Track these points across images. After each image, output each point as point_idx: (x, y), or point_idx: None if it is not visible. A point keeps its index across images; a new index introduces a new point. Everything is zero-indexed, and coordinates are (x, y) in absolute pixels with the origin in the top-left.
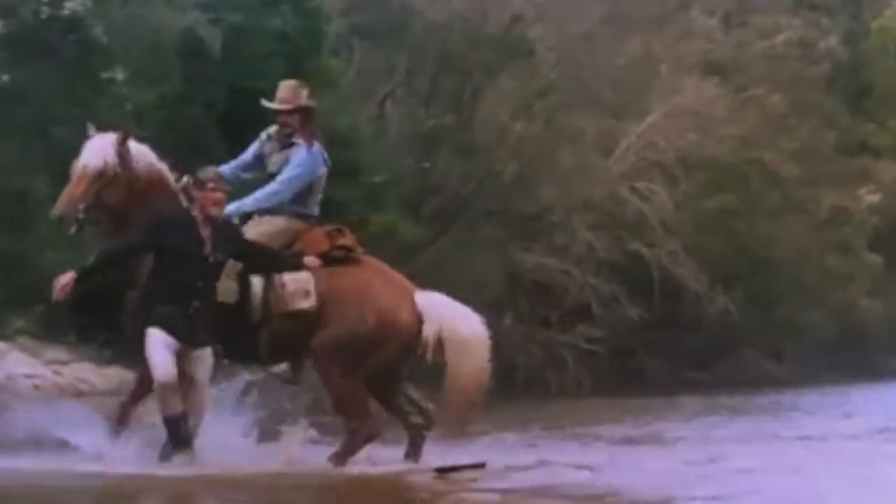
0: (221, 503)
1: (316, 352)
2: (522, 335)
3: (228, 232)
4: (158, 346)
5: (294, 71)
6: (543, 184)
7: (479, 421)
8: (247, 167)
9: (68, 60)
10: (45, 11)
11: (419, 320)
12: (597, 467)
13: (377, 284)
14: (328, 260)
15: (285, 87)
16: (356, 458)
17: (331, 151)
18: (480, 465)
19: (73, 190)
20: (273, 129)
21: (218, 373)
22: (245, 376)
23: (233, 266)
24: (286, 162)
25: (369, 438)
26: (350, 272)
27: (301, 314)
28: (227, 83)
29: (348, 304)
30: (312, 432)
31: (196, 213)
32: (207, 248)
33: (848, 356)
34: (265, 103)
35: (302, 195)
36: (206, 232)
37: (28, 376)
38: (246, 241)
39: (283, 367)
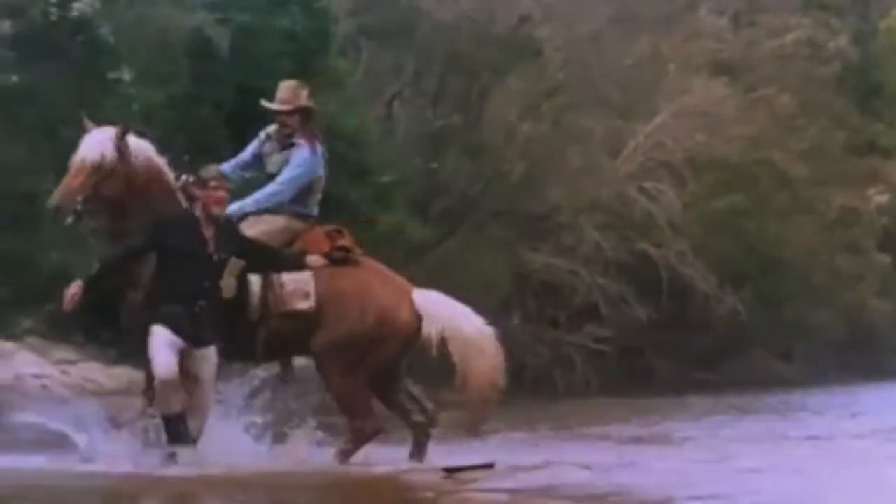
0: (224, 503)
1: (316, 352)
2: (530, 335)
3: (231, 230)
4: (162, 344)
5: (302, 71)
6: (551, 184)
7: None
8: (246, 166)
9: (76, 61)
10: (54, 12)
11: (418, 318)
12: (604, 467)
13: (376, 285)
14: (328, 260)
15: (285, 87)
16: (361, 458)
17: (338, 152)
18: (489, 466)
19: (70, 181)
20: (272, 128)
21: (229, 371)
22: (259, 373)
23: (235, 264)
24: (286, 162)
25: (373, 435)
26: (349, 273)
27: (300, 314)
28: (236, 83)
29: (348, 305)
30: (319, 434)
31: (198, 211)
32: (211, 247)
33: (857, 356)
34: (265, 103)
35: (302, 195)
36: (209, 231)
37: (36, 376)
38: (249, 239)
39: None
